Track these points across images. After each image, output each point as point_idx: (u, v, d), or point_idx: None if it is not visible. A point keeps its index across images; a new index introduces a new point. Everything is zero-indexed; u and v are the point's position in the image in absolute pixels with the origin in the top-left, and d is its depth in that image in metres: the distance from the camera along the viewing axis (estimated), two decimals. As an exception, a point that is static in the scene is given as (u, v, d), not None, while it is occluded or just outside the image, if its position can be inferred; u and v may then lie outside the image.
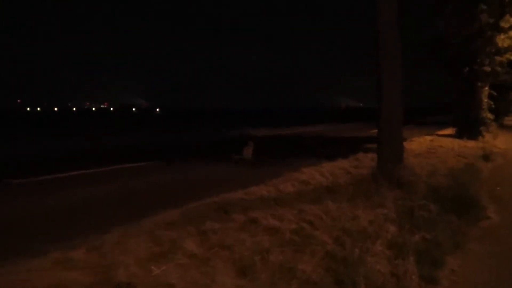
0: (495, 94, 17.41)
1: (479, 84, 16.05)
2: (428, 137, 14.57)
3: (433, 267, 3.60)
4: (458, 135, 15.65)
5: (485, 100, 16.50)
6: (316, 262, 3.22)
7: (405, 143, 12.43)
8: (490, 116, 16.63)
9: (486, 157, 11.16)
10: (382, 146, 6.24)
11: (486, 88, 16.61)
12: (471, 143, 13.57)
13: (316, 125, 28.72)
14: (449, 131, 17.69)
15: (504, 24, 14.61)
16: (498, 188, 7.58)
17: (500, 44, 14.88)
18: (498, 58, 15.45)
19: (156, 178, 7.91)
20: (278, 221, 3.79)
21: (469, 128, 15.74)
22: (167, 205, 4.58)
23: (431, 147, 11.52)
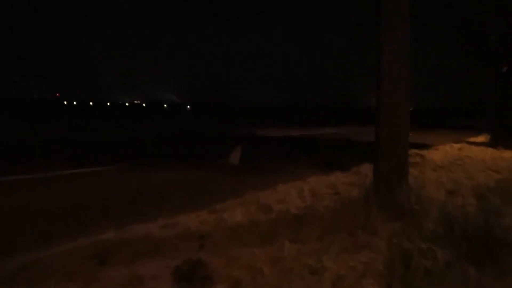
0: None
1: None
2: (456, 145, 12.73)
3: None
4: (493, 144, 13.66)
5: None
6: None
7: (427, 152, 10.81)
8: (534, 122, 14.49)
9: (525, 172, 9.37)
10: (379, 158, 4.68)
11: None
12: (507, 154, 11.68)
13: (336, 127, 26.73)
14: (482, 138, 15.67)
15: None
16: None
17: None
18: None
19: (101, 187, 6.42)
20: (179, 282, 2.45)
21: (506, 135, 13.71)
22: (73, 234, 3.38)
23: (457, 157, 9.81)
